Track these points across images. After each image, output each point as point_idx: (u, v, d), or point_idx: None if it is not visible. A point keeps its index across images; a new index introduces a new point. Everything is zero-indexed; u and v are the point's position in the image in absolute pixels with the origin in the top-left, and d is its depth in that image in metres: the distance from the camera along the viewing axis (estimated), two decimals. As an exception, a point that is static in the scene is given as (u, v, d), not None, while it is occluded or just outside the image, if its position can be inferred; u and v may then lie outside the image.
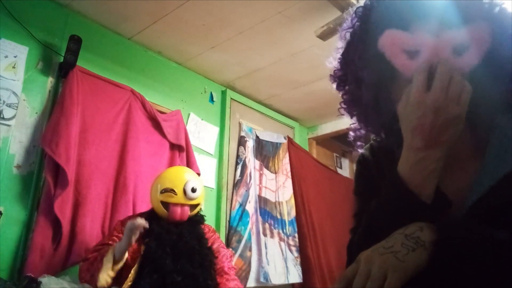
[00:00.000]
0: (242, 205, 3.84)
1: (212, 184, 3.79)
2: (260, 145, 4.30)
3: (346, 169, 5.81)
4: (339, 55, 1.06)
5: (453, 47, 0.86)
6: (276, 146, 4.48)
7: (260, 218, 3.97)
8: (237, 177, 3.91)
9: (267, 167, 4.29)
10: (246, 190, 3.92)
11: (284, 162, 4.50)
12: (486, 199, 0.84)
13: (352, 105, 1.06)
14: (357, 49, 1.00)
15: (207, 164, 3.77)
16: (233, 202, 3.80)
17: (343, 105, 1.09)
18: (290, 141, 4.68)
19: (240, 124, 4.19)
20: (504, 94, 0.90)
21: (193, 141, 3.65)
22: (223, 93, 4.16)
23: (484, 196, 0.84)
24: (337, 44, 1.06)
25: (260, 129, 4.43)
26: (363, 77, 0.97)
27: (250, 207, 3.91)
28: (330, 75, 1.08)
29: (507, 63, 0.89)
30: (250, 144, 4.20)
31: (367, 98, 0.98)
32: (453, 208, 0.88)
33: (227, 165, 3.92)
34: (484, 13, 0.89)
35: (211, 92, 4.05)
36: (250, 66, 3.88)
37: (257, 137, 4.29)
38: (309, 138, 5.31)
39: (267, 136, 4.41)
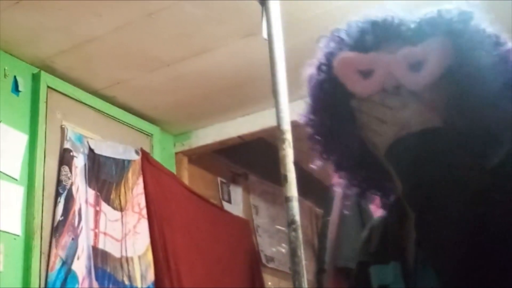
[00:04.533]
0: (67, 262, 3.79)
1: (17, 228, 3.72)
2: (96, 163, 4.27)
3: (238, 202, 5.87)
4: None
5: (409, 64, 1.26)
6: (122, 165, 4.47)
7: (95, 284, 3.93)
8: (58, 216, 3.85)
9: (108, 201, 4.27)
10: (72, 239, 3.87)
11: (135, 192, 4.50)
12: None
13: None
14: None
15: (8, 196, 3.70)
16: (52, 258, 3.74)
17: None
18: (146, 157, 4.69)
19: (63, 129, 4.14)
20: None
21: (-18, 156, 3.54)
22: (35, 78, 4.11)
23: None
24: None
25: (96, 137, 4.40)
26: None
27: (80, 266, 3.86)
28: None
29: (480, 82, 1.26)
30: (80, 162, 4.15)
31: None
32: None
33: (41, 197, 3.86)
34: (445, 27, 1.29)
35: (14, 77, 3.99)
36: (79, 34, 3.85)
37: (91, 150, 4.27)
38: (176, 153, 5.34)
39: (107, 149, 4.40)
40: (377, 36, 1.35)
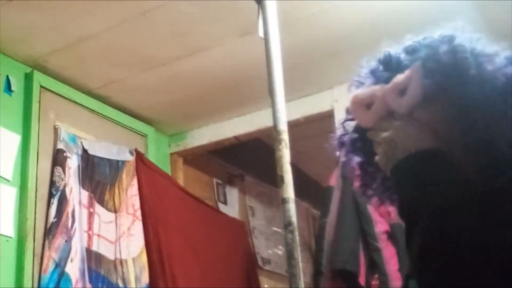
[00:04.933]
0: (60, 265, 3.78)
1: (10, 230, 3.71)
2: (90, 164, 4.26)
3: (234, 204, 5.86)
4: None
5: (399, 90, 1.38)
6: (116, 166, 4.46)
7: (89, 287, 3.91)
8: (52, 218, 3.84)
9: (102, 202, 4.27)
10: (66, 240, 3.86)
11: (130, 193, 4.49)
12: None
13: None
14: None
15: (0, 197, 3.69)
16: (45, 260, 3.73)
17: None
18: (140, 157, 4.68)
19: (56, 130, 4.13)
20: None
21: (-26, 157, 3.54)
22: (28, 78, 4.10)
23: None
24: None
25: (90, 137, 4.40)
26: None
27: (73, 268, 3.86)
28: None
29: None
30: (74, 162, 4.15)
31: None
32: None
33: (34, 198, 3.85)
34: (424, 51, 1.42)
35: (7, 76, 3.98)
36: (73, 33, 3.84)
37: (85, 151, 4.26)
38: (171, 153, 5.33)
39: (101, 149, 4.39)
40: (386, 71, 1.48)
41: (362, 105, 1.44)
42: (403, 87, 1.38)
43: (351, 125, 1.56)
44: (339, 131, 1.59)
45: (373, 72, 1.51)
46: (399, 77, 1.39)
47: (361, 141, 1.52)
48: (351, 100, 1.47)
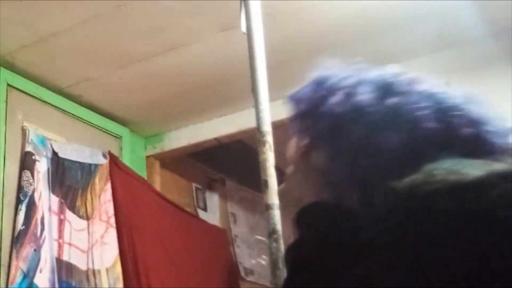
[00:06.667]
0: (28, 275, 3.76)
1: (-27, 238, 3.68)
2: (60, 168, 4.25)
3: (215, 210, 5.88)
4: None
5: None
6: (89, 170, 4.46)
7: (60, 300, 3.91)
8: (19, 225, 3.83)
9: (73, 208, 4.26)
10: (35, 249, 3.85)
11: (103, 198, 4.49)
12: None
13: None
14: None
15: (-37, 203, 3.68)
16: (12, 271, 3.71)
17: None
18: (115, 161, 4.68)
19: (24, 131, 4.12)
20: None
21: None
22: (-6, 75, 4.08)
23: None
24: None
25: (60, 139, 4.39)
26: None
27: (43, 278, 3.83)
28: None
29: None
30: (43, 166, 4.13)
31: None
32: None
33: (0, 204, 3.83)
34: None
35: (-29, 73, 3.97)
36: (43, 27, 3.83)
37: (55, 154, 4.25)
38: (148, 156, 5.34)
39: (72, 152, 4.39)
40: None
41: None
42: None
43: None
44: None
45: None
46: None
47: None
48: None
